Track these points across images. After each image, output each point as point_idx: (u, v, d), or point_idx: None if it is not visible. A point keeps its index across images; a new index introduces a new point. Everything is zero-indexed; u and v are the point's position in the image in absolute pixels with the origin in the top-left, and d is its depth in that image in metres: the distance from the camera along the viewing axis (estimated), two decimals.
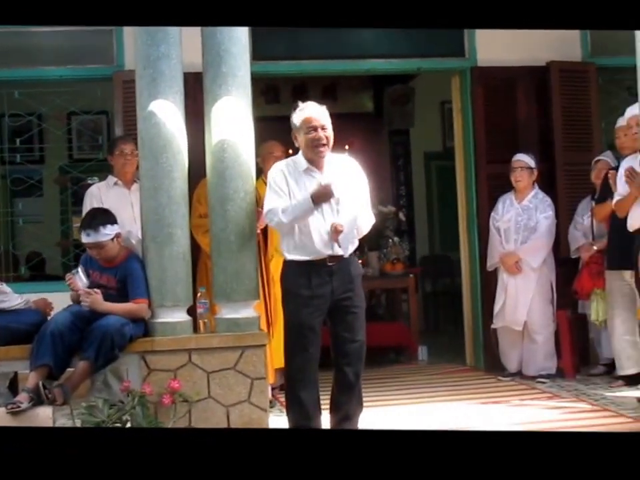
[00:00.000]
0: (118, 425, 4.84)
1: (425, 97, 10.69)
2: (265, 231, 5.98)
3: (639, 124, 6.22)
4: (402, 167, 11.27)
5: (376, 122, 11.27)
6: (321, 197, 4.85)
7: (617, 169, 6.58)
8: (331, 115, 5.05)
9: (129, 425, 4.87)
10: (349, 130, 10.61)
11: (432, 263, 10.85)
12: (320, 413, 5.22)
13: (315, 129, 4.96)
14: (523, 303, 6.99)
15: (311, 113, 5.01)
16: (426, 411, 6.07)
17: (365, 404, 5.38)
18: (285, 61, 7.43)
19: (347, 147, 10.73)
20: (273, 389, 6.32)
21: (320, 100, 5.34)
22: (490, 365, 7.45)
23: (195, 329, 5.26)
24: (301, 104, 5.09)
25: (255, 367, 5.13)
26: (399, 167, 11.27)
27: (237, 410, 5.11)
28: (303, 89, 9.73)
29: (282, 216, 4.92)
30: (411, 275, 8.57)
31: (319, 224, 4.95)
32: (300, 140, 5.04)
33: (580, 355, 7.27)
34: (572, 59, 7.58)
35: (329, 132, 5.00)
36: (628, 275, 6.33)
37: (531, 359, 7.08)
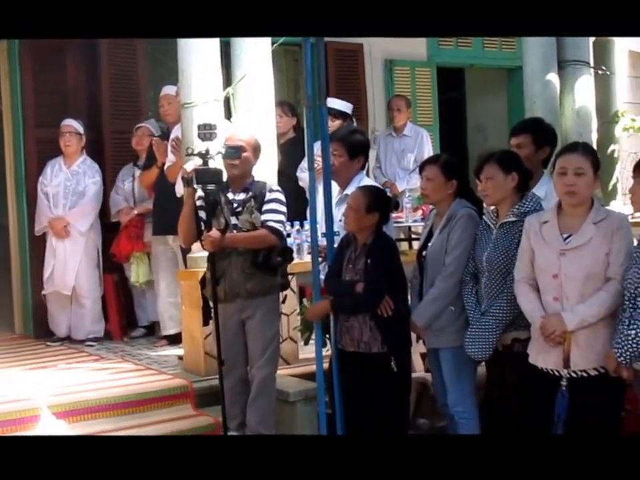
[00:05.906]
0: None
1: None
2: None
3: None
4: None
5: None
6: None
7: (161, 136, 6.86)
8: None
9: None
10: None
11: None
12: None
13: None
14: (72, 267, 7.06)
15: None
16: None
17: None
18: None
19: None
20: None
21: None
22: (39, 331, 7.41)
23: None
24: None
25: None
26: None
27: None
28: None
29: None
30: None
31: None
32: None
33: (127, 317, 7.50)
34: None
35: None
36: (171, 239, 6.65)
37: (80, 323, 7.17)
